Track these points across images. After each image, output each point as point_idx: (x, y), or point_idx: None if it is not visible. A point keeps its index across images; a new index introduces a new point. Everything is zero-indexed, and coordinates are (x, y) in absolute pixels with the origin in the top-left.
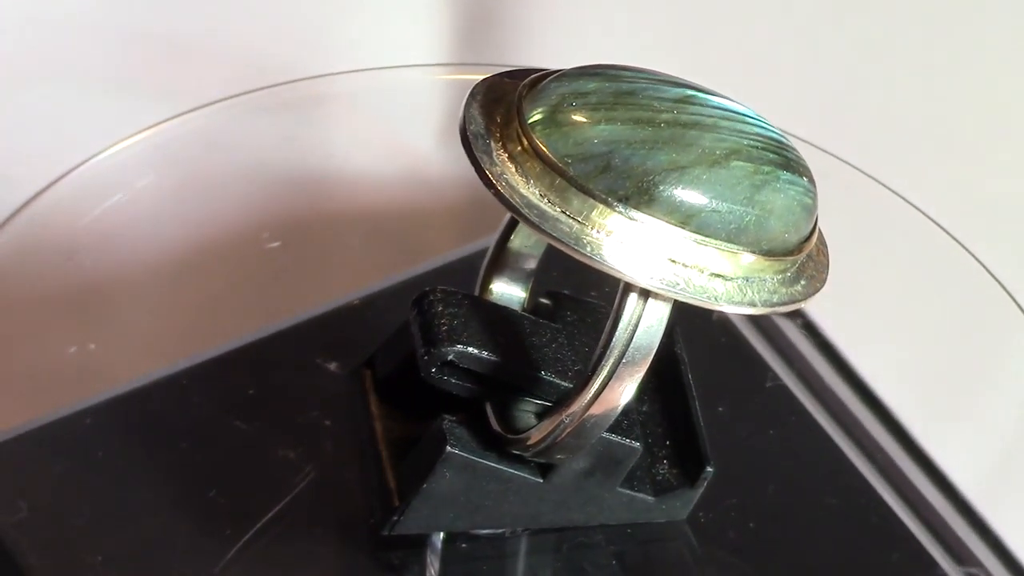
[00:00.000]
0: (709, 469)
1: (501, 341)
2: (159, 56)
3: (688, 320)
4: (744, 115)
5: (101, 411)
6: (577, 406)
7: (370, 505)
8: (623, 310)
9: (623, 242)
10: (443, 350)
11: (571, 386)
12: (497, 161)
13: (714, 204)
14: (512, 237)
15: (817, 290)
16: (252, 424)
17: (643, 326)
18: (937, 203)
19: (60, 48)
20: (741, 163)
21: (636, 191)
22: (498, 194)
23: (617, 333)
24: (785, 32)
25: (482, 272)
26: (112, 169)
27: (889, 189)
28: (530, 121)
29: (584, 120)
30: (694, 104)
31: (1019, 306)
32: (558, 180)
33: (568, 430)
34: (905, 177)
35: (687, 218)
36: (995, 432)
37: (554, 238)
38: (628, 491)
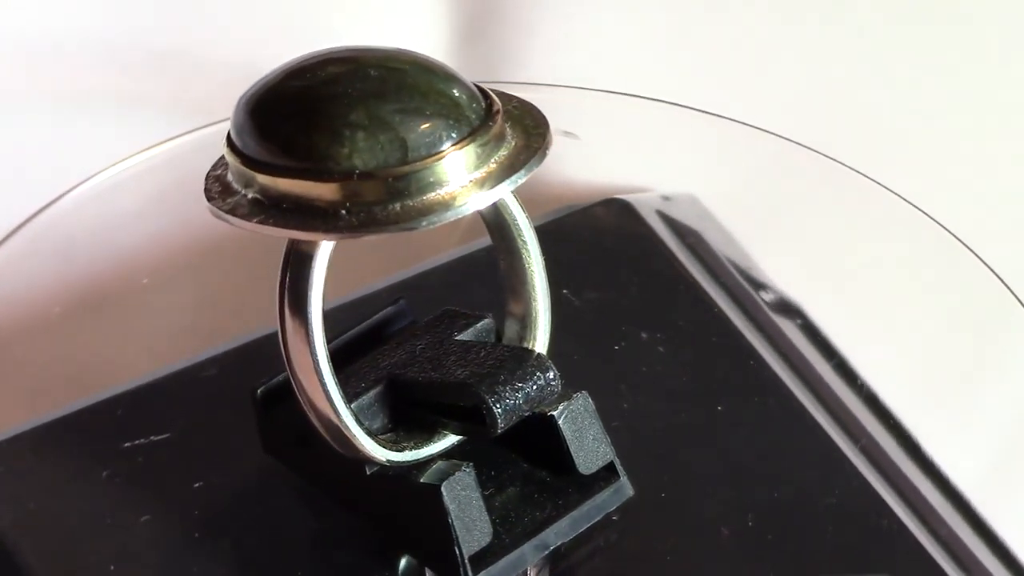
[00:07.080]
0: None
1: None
2: (159, 74)
3: (688, 319)
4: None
5: (101, 411)
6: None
7: None
8: (520, 227)
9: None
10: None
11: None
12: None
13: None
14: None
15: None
16: (252, 424)
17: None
18: (937, 201)
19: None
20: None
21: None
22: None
23: (532, 254)
24: (778, 33)
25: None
26: (114, 175)
27: (888, 189)
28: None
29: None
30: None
31: (1021, 304)
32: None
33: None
34: (904, 176)
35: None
36: (995, 432)
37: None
38: None
